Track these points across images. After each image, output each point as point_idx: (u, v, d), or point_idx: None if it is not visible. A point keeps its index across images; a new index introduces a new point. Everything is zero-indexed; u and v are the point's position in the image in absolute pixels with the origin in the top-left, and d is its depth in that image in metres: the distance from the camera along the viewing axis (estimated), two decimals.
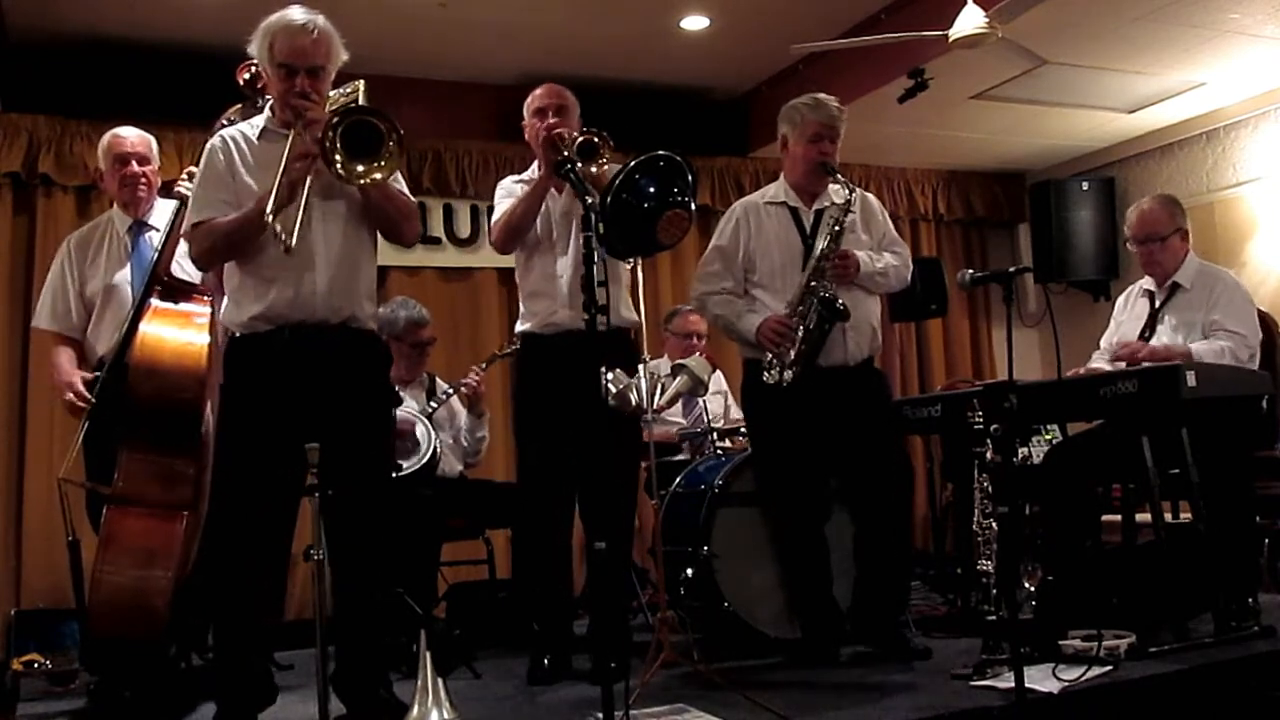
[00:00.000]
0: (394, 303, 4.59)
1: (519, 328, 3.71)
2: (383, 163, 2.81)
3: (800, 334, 3.54)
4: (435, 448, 4.33)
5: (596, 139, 3.41)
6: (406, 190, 3.08)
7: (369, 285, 3.07)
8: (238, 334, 2.96)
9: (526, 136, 3.67)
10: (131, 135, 3.72)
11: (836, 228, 3.58)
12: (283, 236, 2.73)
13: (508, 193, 3.67)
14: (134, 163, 3.68)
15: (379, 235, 3.10)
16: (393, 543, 3.03)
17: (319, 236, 2.90)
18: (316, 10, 2.95)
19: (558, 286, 3.56)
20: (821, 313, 3.52)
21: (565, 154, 3.37)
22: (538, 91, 3.65)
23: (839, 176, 3.64)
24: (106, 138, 3.75)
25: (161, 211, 3.70)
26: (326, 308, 2.91)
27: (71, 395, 3.49)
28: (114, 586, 3.12)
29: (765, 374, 3.58)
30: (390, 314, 4.44)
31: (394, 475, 3.29)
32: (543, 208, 3.58)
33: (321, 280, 2.90)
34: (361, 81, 3.05)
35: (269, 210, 2.73)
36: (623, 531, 3.65)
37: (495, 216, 3.67)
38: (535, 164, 3.62)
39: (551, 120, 3.54)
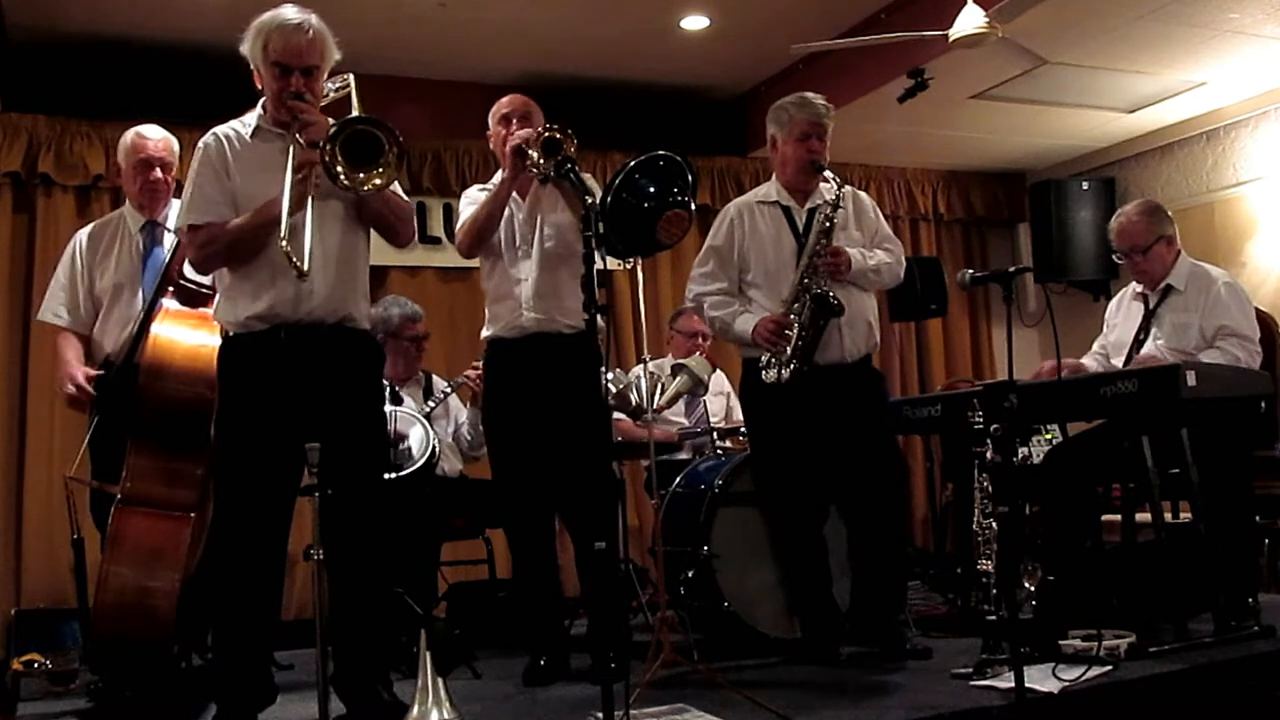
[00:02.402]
0: (385, 301, 4.59)
1: (484, 333, 3.72)
2: (383, 169, 2.80)
3: (796, 331, 3.54)
4: (434, 447, 4.32)
5: (559, 135, 3.38)
6: (402, 193, 3.09)
7: (364, 285, 3.07)
8: (231, 333, 2.95)
9: (491, 144, 3.69)
10: (155, 137, 3.68)
11: (827, 224, 3.59)
12: (296, 261, 2.71)
13: (472, 200, 3.69)
14: (158, 169, 3.66)
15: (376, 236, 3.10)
16: (389, 542, 3.03)
17: (316, 237, 2.88)
18: (311, 10, 2.94)
19: (521, 290, 3.58)
20: (815, 309, 3.52)
21: (532, 154, 3.38)
22: (502, 100, 3.68)
23: (829, 174, 3.64)
24: (130, 136, 3.69)
25: (175, 213, 3.68)
26: (323, 307, 2.90)
27: (73, 389, 3.47)
28: (120, 587, 3.12)
29: (763, 373, 3.59)
30: (383, 312, 4.44)
31: (393, 475, 3.29)
32: (506, 213, 3.59)
33: (319, 280, 2.89)
34: (351, 76, 3.04)
35: (283, 234, 2.70)
36: (609, 530, 3.66)
37: (459, 223, 3.69)
38: (499, 172, 3.62)
39: (516, 128, 3.55)
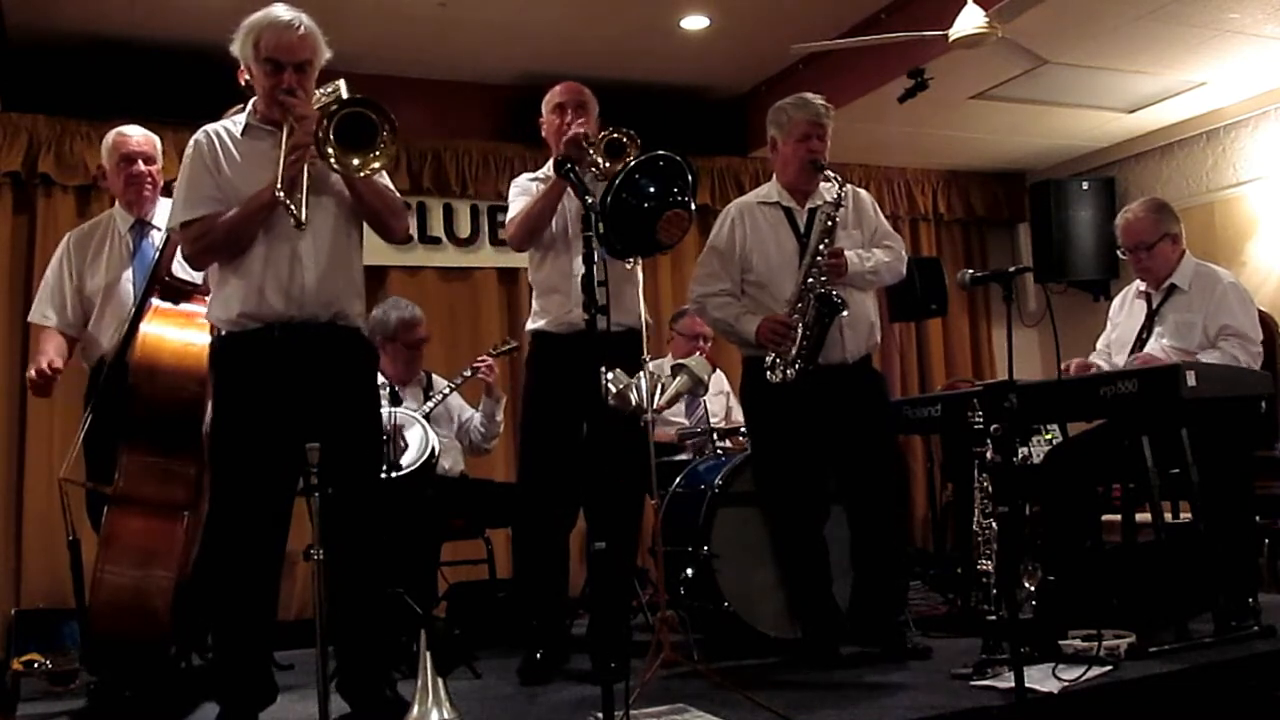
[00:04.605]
0: (385, 304, 4.57)
1: (530, 325, 3.69)
2: (378, 153, 2.82)
3: (800, 332, 3.54)
4: (434, 447, 4.32)
5: (625, 138, 3.40)
6: (392, 185, 3.09)
7: (358, 282, 3.07)
8: (224, 332, 2.94)
9: (544, 133, 3.66)
10: (137, 134, 3.70)
11: (828, 224, 3.59)
12: (293, 209, 2.74)
13: (523, 190, 3.66)
14: (140, 162, 3.67)
15: (372, 233, 3.10)
16: (386, 540, 3.02)
17: (307, 233, 2.88)
18: (312, 10, 2.95)
19: (573, 285, 3.52)
20: (819, 309, 3.52)
21: (590, 153, 3.38)
22: (557, 88, 3.65)
23: (829, 173, 3.64)
24: (111, 136, 3.72)
25: (164, 211, 3.68)
26: (316, 304, 2.90)
27: (33, 373, 3.47)
28: (115, 587, 3.12)
29: (769, 373, 3.57)
30: (381, 315, 4.43)
31: (393, 474, 3.28)
32: (559, 206, 3.57)
33: (310, 277, 2.89)
34: (342, 81, 3.05)
35: (278, 187, 2.74)
36: (629, 534, 3.65)
37: (511, 214, 3.65)
38: (550, 161, 3.61)
39: (571, 118, 3.53)
